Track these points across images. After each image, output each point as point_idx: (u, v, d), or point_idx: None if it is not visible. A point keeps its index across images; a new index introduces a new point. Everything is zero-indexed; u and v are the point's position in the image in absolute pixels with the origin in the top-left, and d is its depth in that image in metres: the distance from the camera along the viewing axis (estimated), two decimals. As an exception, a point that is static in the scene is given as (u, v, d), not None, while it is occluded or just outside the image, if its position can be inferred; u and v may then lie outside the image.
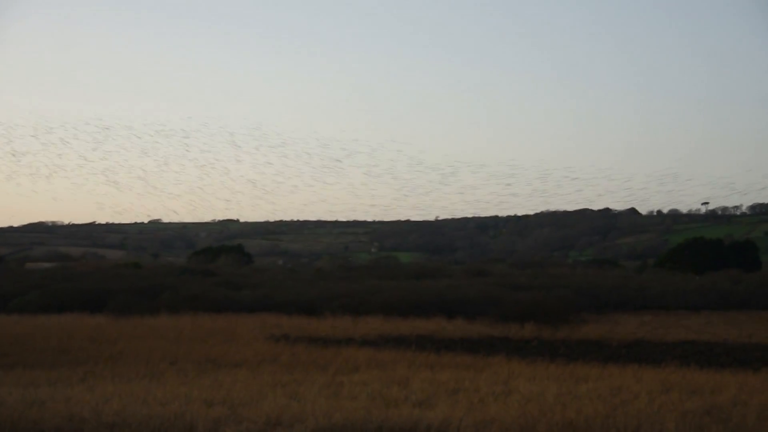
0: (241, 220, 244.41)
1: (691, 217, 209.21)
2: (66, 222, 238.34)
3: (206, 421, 14.68)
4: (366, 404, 16.92)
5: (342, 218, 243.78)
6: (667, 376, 22.16)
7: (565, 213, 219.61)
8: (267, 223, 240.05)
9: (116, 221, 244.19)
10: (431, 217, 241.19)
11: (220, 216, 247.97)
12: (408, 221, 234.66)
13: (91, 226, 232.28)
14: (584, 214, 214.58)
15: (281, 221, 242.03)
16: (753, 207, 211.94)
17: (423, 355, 27.00)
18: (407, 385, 20.15)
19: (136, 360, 25.48)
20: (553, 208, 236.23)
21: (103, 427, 14.48)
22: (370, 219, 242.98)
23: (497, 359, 26.52)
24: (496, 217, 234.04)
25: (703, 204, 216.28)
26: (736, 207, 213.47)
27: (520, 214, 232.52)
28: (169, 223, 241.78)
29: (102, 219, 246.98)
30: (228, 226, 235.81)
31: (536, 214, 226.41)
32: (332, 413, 15.65)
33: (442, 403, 17.23)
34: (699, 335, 36.65)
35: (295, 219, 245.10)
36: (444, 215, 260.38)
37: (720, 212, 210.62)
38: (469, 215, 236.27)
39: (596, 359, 26.80)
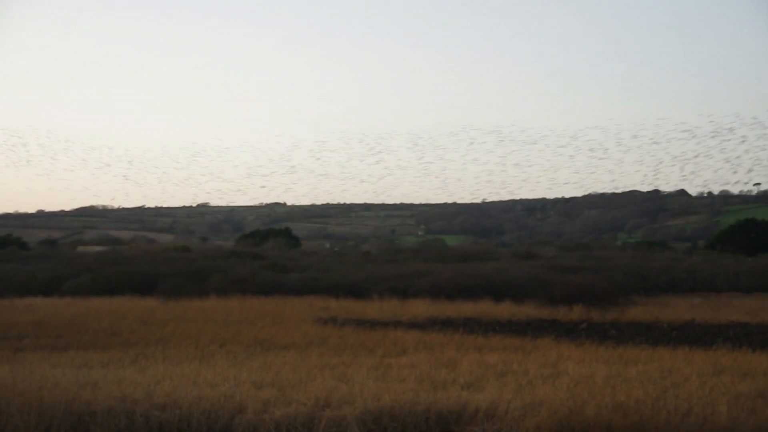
0: (288, 203, 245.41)
1: (743, 198, 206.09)
2: (116, 206, 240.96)
3: (256, 403, 14.79)
4: (414, 386, 16.93)
5: (389, 201, 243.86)
6: (719, 359, 21.90)
7: (614, 195, 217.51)
8: (314, 206, 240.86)
9: (165, 205, 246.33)
10: (478, 200, 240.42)
11: (267, 200, 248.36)
12: (455, 204, 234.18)
13: (141, 210, 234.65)
14: (633, 195, 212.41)
15: (328, 204, 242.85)
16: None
17: (471, 338, 26.94)
18: (455, 368, 20.12)
19: (186, 342, 25.71)
20: (601, 189, 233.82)
21: (154, 408, 14.64)
22: (417, 202, 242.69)
23: (545, 342, 26.40)
24: (544, 199, 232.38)
25: (755, 185, 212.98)
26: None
27: (567, 196, 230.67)
28: (217, 207, 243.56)
29: (151, 203, 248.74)
30: (275, 209, 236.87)
31: (584, 196, 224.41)
32: (380, 395, 15.68)
33: (490, 386, 17.18)
34: (751, 317, 36.18)
35: (342, 202, 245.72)
36: (491, 197, 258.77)
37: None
38: (517, 197, 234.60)
39: (646, 342, 26.56)
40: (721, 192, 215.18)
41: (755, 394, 16.35)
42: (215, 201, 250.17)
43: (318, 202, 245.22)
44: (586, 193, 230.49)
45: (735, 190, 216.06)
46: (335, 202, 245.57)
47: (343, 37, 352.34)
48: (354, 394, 15.76)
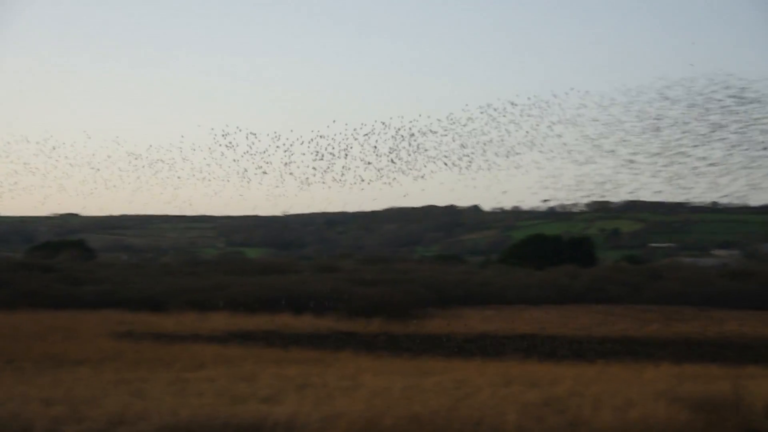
0: (83, 214, 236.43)
1: (532, 214, 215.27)
2: None
3: (44, 421, 14.22)
4: (212, 401, 16.74)
5: (189, 212, 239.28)
6: (509, 369, 22.80)
7: (412, 209, 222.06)
8: (110, 217, 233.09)
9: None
10: (279, 213, 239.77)
11: (61, 210, 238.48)
12: (256, 216, 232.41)
13: None
14: (430, 210, 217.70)
15: (125, 215, 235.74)
16: (590, 204, 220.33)
17: (270, 351, 26.93)
18: (254, 381, 20.05)
19: (-31, 359, 24.40)
20: (399, 204, 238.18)
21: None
22: (217, 214, 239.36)
23: (345, 354, 26.71)
24: (344, 213, 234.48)
25: (543, 201, 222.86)
26: (574, 204, 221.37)
27: (367, 210, 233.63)
28: (5, 217, 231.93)
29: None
30: (69, 220, 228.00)
31: (384, 210, 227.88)
32: (178, 410, 15.43)
33: (289, 399, 17.21)
34: (539, 329, 37.87)
35: (140, 213, 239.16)
36: (293, 210, 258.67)
37: (559, 209, 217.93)
38: (318, 211, 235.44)
39: (441, 353, 27.35)
40: (513, 208, 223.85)
41: (542, 402, 17.11)
42: (4, 211, 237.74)
43: (115, 213, 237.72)
44: (386, 207, 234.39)
45: (525, 206, 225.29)
46: (133, 213, 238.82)
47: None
48: (150, 410, 15.43)
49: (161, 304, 44.99)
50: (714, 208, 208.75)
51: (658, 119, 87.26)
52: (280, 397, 17.75)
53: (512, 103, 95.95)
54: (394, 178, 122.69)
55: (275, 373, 21.68)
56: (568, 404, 17.00)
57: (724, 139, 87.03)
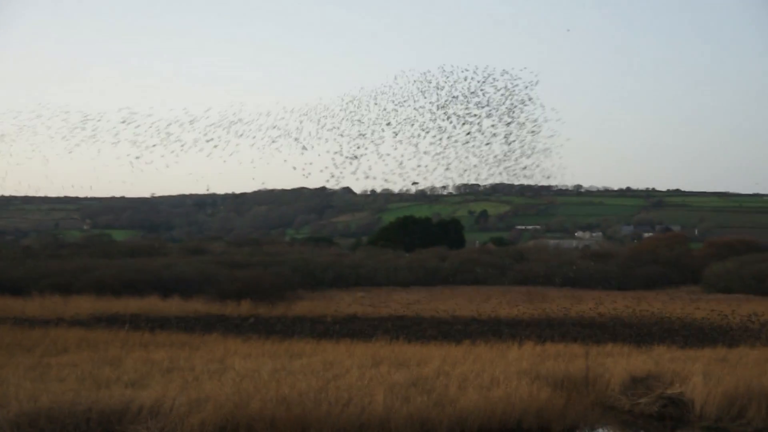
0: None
1: (402, 197, 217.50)
2: None
3: None
4: (75, 386, 16.38)
5: (52, 194, 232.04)
6: (378, 351, 23.03)
7: (283, 191, 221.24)
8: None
9: None
10: (147, 194, 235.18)
11: None
12: (123, 198, 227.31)
13: None
14: (301, 192, 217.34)
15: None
16: (458, 187, 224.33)
17: (137, 335, 26.43)
18: (120, 366, 19.71)
19: None
20: (270, 186, 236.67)
21: None
22: (82, 195, 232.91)
23: (213, 337, 26.47)
24: (214, 194, 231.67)
25: (413, 184, 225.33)
26: (444, 187, 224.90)
27: (237, 191, 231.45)
28: None
29: None
30: None
31: (254, 192, 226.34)
32: (38, 396, 15.06)
33: (155, 383, 17.00)
34: (407, 311, 38.33)
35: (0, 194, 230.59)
36: (160, 192, 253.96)
37: (428, 192, 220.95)
38: (186, 192, 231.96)
39: (311, 335, 27.41)
40: (384, 190, 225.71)
41: (409, 383, 17.38)
42: None
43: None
44: (256, 189, 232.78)
45: (395, 188, 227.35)
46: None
47: None
48: (8, 396, 15.02)
49: (22, 288, 43.56)
50: (577, 192, 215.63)
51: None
52: (146, 381, 17.51)
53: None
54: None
55: (141, 356, 21.35)
56: (435, 384, 17.32)
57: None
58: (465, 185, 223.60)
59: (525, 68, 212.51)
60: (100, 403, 15.12)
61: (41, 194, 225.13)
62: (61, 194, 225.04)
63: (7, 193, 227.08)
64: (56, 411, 14.64)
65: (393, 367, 19.58)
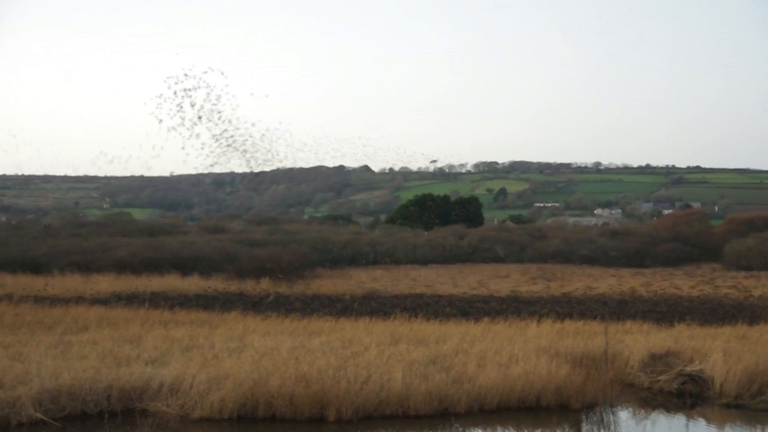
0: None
1: (421, 175, 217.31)
2: None
3: None
4: (96, 364, 16.47)
5: (71, 173, 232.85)
6: (396, 328, 23.04)
7: (301, 170, 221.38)
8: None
9: None
10: (166, 173, 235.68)
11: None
12: (142, 177, 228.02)
13: None
14: (319, 171, 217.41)
15: (4, 175, 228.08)
16: (477, 165, 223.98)
17: (156, 313, 26.53)
18: (140, 343, 19.81)
19: None
20: (288, 165, 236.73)
21: None
22: (101, 174, 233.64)
23: (232, 315, 26.54)
24: (233, 173, 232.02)
25: (431, 162, 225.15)
26: (462, 165, 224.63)
27: (256, 170, 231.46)
28: None
29: None
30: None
31: (272, 171, 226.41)
32: (59, 374, 15.17)
33: (175, 361, 17.08)
34: (426, 289, 38.35)
35: (20, 173, 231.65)
36: (179, 171, 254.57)
37: (447, 170, 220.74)
38: (205, 171, 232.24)
39: (330, 313, 27.41)
40: (402, 168, 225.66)
41: (427, 360, 17.41)
42: None
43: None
44: (275, 167, 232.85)
45: (414, 167, 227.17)
46: (12, 173, 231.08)
47: None
48: (30, 374, 15.14)
49: (43, 266, 43.83)
50: (596, 169, 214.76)
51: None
52: (166, 358, 17.60)
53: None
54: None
55: (161, 334, 21.45)
56: (454, 362, 17.34)
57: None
58: (483, 163, 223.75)
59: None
60: (121, 381, 15.23)
61: (61, 173, 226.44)
62: (81, 173, 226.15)
63: (27, 172, 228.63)
64: (77, 388, 14.75)
65: (412, 345, 19.61)
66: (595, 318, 26.71)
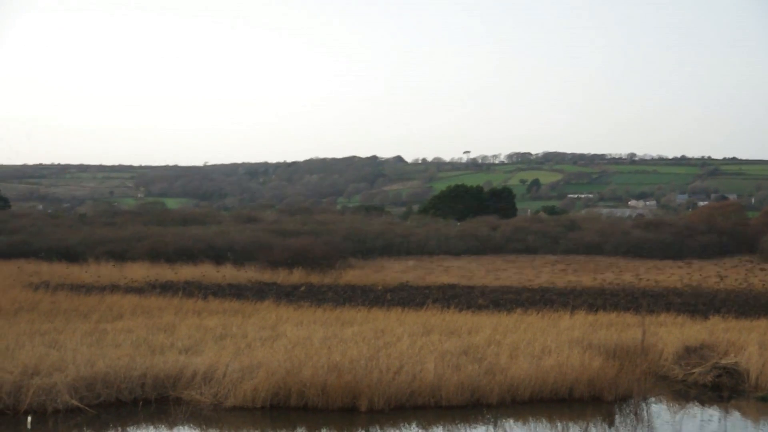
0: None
1: (454, 165, 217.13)
2: None
3: (-44, 373, 14.00)
4: (130, 352, 16.62)
5: (107, 162, 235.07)
6: (428, 319, 23.04)
7: (334, 160, 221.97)
8: (25, 166, 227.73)
9: None
10: (200, 162, 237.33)
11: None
12: (176, 166, 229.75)
13: None
14: (352, 161, 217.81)
15: (41, 164, 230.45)
16: (510, 156, 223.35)
17: (190, 302, 26.69)
18: (173, 332, 19.94)
19: None
20: (321, 154, 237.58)
21: None
22: (136, 164, 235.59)
23: (265, 305, 26.64)
24: (266, 163, 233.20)
25: (465, 153, 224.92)
26: (495, 156, 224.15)
27: (289, 160, 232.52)
28: None
29: None
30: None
31: (305, 161, 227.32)
32: (94, 361, 15.31)
33: (208, 349, 17.19)
34: (459, 279, 38.30)
35: (56, 162, 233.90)
36: (213, 160, 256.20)
37: (480, 161, 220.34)
38: (239, 161, 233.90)
39: (362, 303, 27.44)
40: (435, 159, 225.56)
41: (459, 351, 17.38)
42: None
43: (30, 162, 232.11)
44: (308, 157, 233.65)
45: (447, 157, 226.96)
46: (49, 162, 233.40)
47: None
48: (66, 361, 15.28)
49: (79, 254, 44.23)
50: (631, 160, 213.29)
51: None
52: (200, 347, 17.71)
53: None
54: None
55: (195, 323, 21.58)
56: (486, 353, 17.30)
57: None
58: (517, 153, 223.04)
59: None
60: (155, 369, 15.35)
61: (96, 162, 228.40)
62: (116, 162, 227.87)
63: (63, 161, 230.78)
64: (112, 376, 14.88)
65: (444, 336, 19.60)
66: (628, 310, 26.56)
